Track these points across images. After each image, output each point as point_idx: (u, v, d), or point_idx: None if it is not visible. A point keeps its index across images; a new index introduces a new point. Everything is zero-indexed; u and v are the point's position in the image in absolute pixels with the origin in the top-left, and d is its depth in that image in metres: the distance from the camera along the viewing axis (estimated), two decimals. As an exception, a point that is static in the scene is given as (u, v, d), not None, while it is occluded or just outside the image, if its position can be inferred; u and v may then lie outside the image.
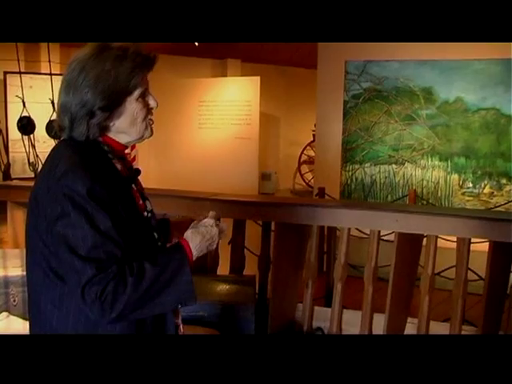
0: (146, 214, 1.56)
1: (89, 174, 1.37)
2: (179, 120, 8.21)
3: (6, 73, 6.30)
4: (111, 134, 1.49)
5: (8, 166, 5.34)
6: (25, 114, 5.33)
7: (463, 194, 6.22)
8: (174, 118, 8.03)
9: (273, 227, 3.29)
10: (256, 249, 3.47)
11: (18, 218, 3.60)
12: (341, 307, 3.14)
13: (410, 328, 3.08)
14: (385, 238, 3.16)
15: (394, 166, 6.49)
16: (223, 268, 3.46)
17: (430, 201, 6.31)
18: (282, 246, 3.18)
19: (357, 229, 3.41)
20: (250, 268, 3.49)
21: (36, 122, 5.45)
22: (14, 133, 5.90)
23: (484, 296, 2.94)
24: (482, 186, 6.13)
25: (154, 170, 7.89)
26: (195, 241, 1.46)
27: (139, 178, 1.61)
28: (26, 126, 5.25)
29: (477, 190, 6.15)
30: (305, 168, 9.94)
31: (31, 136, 5.28)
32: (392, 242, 3.00)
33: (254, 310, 2.93)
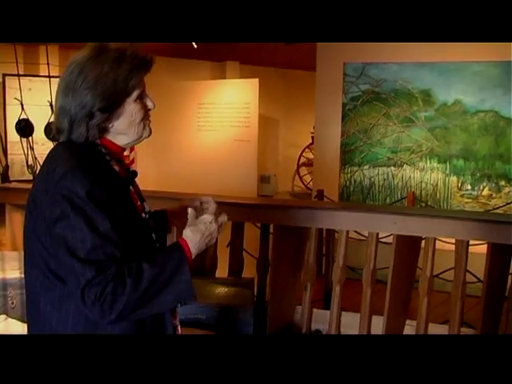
0: (144, 215, 1.57)
1: (88, 175, 1.38)
2: (178, 122, 8.22)
3: (4, 75, 6.31)
4: (110, 136, 1.50)
5: (6, 168, 5.33)
6: (23, 116, 5.33)
7: (462, 196, 6.23)
8: (173, 120, 8.03)
9: (271, 230, 3.29)
10: (255, 251, 3.47)
11: (16, 221, 3.60)
12: (339, 309, 3.13)
13: (409, 330, 3.08)
14: (383, 240, 3.16)
15: (392, 168, 6.49)
16: (222, 270, 3.46)
17: (429, 203, 6.32)
18: (280, 248, 3.18)
19: (355, 231, 3.41)
20: (249, 270, 3.49)
21: (35, 124, 5.44)
22: (13, 135, 5.89)
23: (482, 298, 2.94)
24: (481, 188, 6.14)
25: (152, 172, 7.90)
26: (195, 239, 1.46)
27: (136, 179, 1.62)
28: (25, 128, 5.24)
29: (475, 192, 6.16)
30: (304, 170, 9.95)
31: (30, 138, 5.28)
32: (390, 244, 3.00)
33: (252, 313, 2.93)
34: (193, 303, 1.46)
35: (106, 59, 1.43)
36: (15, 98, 5.45)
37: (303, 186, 9.91)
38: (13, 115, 5.86)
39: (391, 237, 3.01)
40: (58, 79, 1.53)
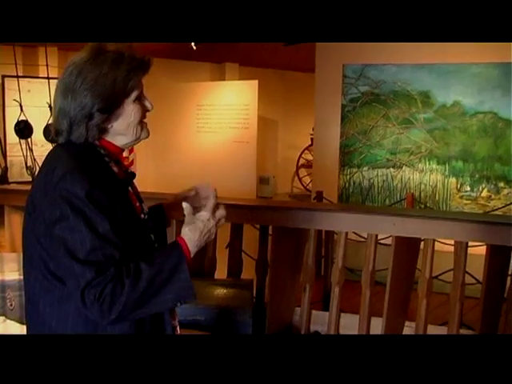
0: (142, 216, 1.58)
1: (87, 177, 1.38)
2: (177, 124, 8.22)
3: (3, 76, 6.30)
4: (109, 137, 1.51)
5: (5, 169, 5.32)
6: (22, 117, 5.33)
7: (461, 197, 6.23)
8: (172, 122, 8.03)
9: (270, 231, 3.29)
10: (254, 253, 3.47)
11: (15, 222, 3.60)
12: (338, 311, 3.13)
13: (408, 331, 3.08)
14: (382, 241, 3.16)
15: (391, 169, 6.50)
16: (221, 272, 3.46)
17: (428, 204, 6.32)
18: (279, 249, 3.18)
19: (354, 232, 3.41)
20: (248, 272, 3.49)
21: (34, 125, 5.44)
22: (12, 136, 5.88)
23: (481, 299, 2.94)
24: (480, 189, 6.14)
25: (152, 174, 7.90)
26: (193, 237, 1.46)
27: (135, 181, 1.63)
28: (24, 129, 5.24)
29: (474, 194, 6.16)
30: (303, 172, 9.95)
31: (29, 140, 5.28)
32: (389, 245, 3.00)
33: (251, 314, 2.92)
34: (193, 302, 1.46)
35: (105, 60, 1.44)
36: (14, 100, 5.44)
37: (302, 187, 9.91)
38: (12, 117, 5.85)
39: (390, 238, 3.01)
40: (56, 81, 1.53)
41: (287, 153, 10.23)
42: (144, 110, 1.53)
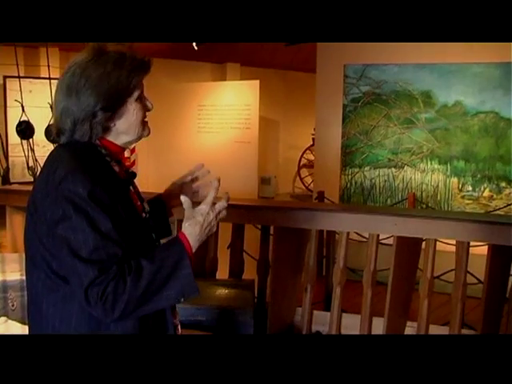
0: (144, 215, 1.59)
1: (88, 176, 1.39)
2: (178, 124, 8.21)
3: (5, 77, 6.31)
4: (111, 136, 1.52)
5: (7, 170, 5.33)
6: (24, 118, 5.33)
7: (462, 197, 6.23)
8: (173, 122, 8.03)
9: (272, 231, 3.29)
10: (255, 253, 3.47)
11: (16, 223, 3.61)
12: (340, 311, 3.13)
13: (410, 332, 3.08)
14: (384, 241, 3.16)
15: (393, 169, 6.49)
16: (222, 272, 3.46)
17: (430, 204, 6.31)
18: (280, 250, 3.18)
19: (356, 232, 3.41)
20: (249, 272, 3.49)
21: (35, 126, 5.44)
22: (14, 137, 5.89)
23: (483, 299, 2.94)
24: (482, 189, 6.13)
25: (153, 174, 7.89)
26: (194, 232, 1.46)
27: (135, 181, 1.64)
28: (25, 130, 5.24)
29: (476, 194, 6.16)
30: (304, 172, 9.95)
31: (30, 140, 5.28)
32: (391, 245, 3.00)
33: (252, 315, 2.92)
34: (195, 299, 1.46)
35: (108, 60, 1.45)
36: (16, 100, 5.45)
37: (304, 187, 9.90)
38: (13, 117, 5.86)
39: (392, 238, 3.01)
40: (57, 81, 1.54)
41: (288, 153, 10.23)
42: (145, 110, 1.55)
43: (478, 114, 6.04)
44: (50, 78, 4.99)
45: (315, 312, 3.29)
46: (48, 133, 4.88)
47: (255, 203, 3.85)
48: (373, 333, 3.04)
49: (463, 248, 2.88)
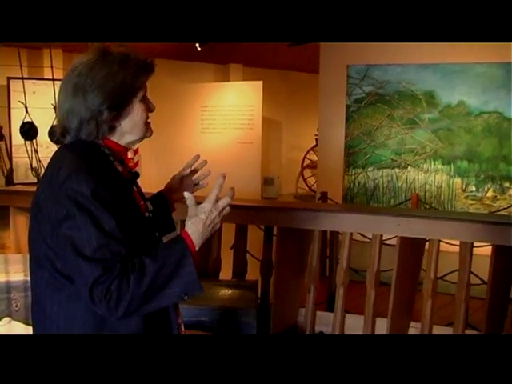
0: (147, 214, 1.60)
1: (92, 175, 1.40)
2: (182, 125, 8.22)
3: (9, 78, 6.32)
4: (116, 136, 1.53)
5: (11, 171, 5.36)
6: (27, 119, 5.35)
7: (466, 197, 6.21)
8: (176, 123, 8.03)
9: (275, 232, 3.29)
10: (258, 253, 3.47)
11: (20, 224, 3.61)
12: (343, 312, 3.13)
13: (413, 332, 3.07)
14: (387, 242, 3.16)
15: (396, 170, 6.48)
16: (225, 273, 3.46)
17: (433, 205, 6.30)
18: (284, 250, 3.18)
19: (359, 233, 3.41)
20: (252, 273, 3.49)
21: (39, 127, 5.46)
22: (17, 138, 5.91)
23: (487, 300, 2.93)
24: (485, 189, 6.12)
25: (156, 175, 7.89)
26: (197, 230, 1.47)
27: (138, 181, 1.65)
28: (29, 131, 5.27)
29: (480, 194, 6.14)
30: (308, 172, 9.94)
31: (34, 141, 5.30)
32: (394, 246, 3.00)
33: (255, 315, 2.92)
34: (198, 298, 1.47)
35: (113, 60, 1.47)
36: (19, 101, 5.47)
37: (307, 188, 9.90)
38: (17, 118, 5.88)
39: (395, 239, 3.00)
40: (61, 82, 1.55)
41: (291, 153, 10.23)
42: (148, 111, 1.57)
43: (482, 114, 6.03)
44: (53, 79, 5.00)
45: (318, 312, 3.29)
46: (52, 133, 4.90)
47: (258, 204, 3.85)
48: (376, 333, 3.04)
49: (467, 248, 2.87)
